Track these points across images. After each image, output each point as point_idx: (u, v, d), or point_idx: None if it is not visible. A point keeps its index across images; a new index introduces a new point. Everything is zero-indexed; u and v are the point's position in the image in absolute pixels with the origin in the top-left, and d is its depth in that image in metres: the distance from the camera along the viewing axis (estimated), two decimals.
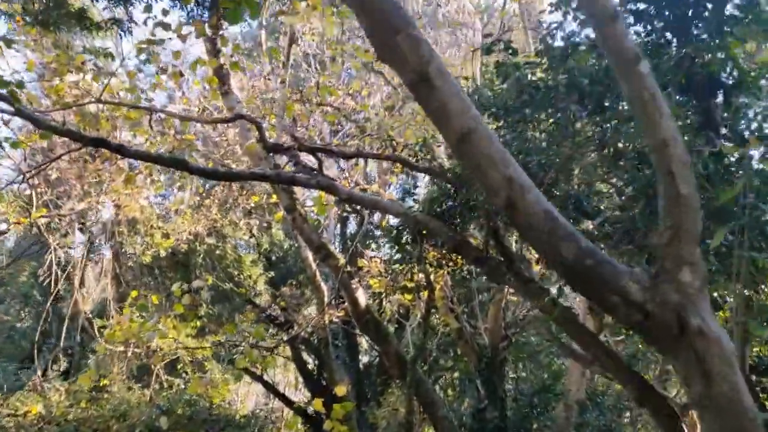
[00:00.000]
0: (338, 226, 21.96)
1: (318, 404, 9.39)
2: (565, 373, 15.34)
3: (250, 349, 8.62)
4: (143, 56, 7.84)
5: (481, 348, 15.63)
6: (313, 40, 12.31)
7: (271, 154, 10.11)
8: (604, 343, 7.59)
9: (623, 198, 5.16)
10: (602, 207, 6.51)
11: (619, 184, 5.51)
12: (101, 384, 14.03)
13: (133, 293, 9.45)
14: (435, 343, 18.18)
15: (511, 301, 16.68)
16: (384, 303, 18.57)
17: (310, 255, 15.24)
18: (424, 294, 12.96)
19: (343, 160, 12.98)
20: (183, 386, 15.79)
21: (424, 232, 8.10)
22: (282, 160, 10.10)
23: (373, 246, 17.81)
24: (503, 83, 7.18)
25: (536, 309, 8.78)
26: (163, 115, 10.21)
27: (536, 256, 8.17)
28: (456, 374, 19.23)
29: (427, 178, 9.85)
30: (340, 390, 9.19)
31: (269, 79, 11.43)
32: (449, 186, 7.91)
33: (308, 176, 8.16)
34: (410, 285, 11.04)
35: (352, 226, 22.20)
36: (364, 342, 22.81)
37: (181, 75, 8.29)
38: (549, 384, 15.71)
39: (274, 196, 13.76)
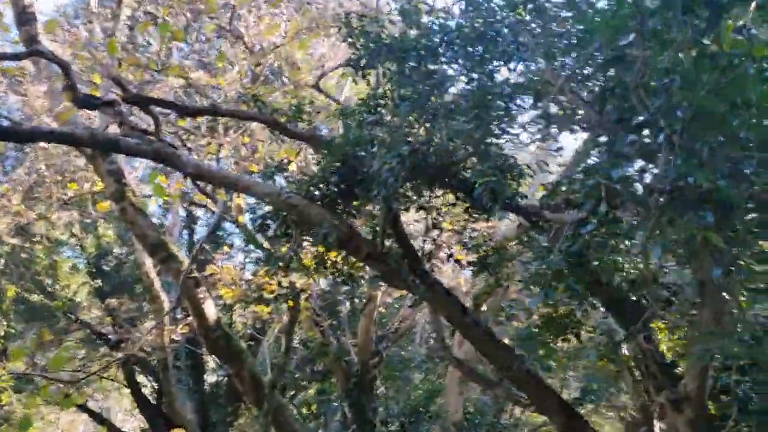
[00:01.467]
0: (185, 230, 19.07)
1: None
2: (441, 391, 13.99)
3: (45, 386, 6.06)
4: None
5: (349, 365, 13.84)
6: None
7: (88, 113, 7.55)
8: (527, 365, 6.06)
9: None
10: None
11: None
12: None
13: None
14: (296, 361, 16.16)
15: (382, 312, 15.17)
16: (235, 316, 16.22)
17: (147, 259, 12.56)
18: (288, 304, 10.94)
19: (192, 141, 10.56)
20: None
21: (300, 222, 6.09)
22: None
23: (226, 249, 15.38)
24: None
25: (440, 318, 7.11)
26: None
27: (445, 252, 6.52)
28: (315, 394, 17.39)
29: (299, 159, 7.85)
30: None
31: (90, 25, 8.82)
32: (333, 161, 5.98)
33: (139, 141, 5.84)
34: (271, 293, 8.92)
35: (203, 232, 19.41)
36: (212, 360, 20.14)
37: None
38: (423, 404, 14.28)
39: (99, 183, 10.97)
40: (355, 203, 6.27)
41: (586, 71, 3.76)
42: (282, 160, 6.37)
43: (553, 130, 4.26)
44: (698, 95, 2.57)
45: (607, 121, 3.32)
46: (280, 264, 6.02)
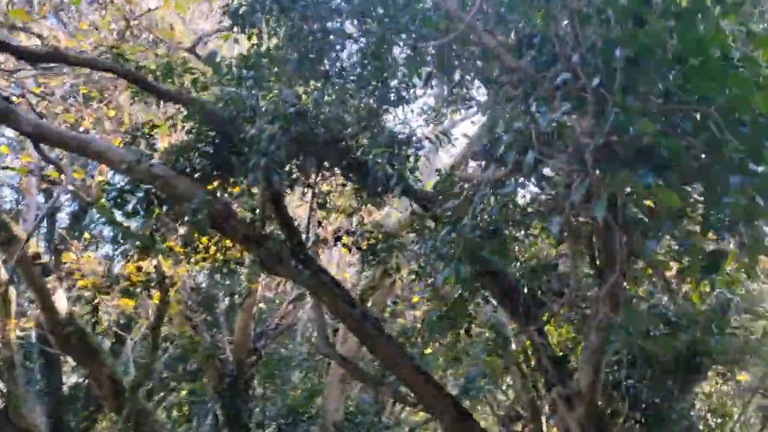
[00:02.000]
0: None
1: None
2: (322, 391, 13.36)
3: None
4: None
5: (224, 364, 12.86)
6: None
7: None
8: (417, 362, 5.60)
9: None
10: None
11: None
12: None
13: None
14: (168, 360, 14.89)
15: (263, 308, 14.30)
16: (101, 312, 14.68)
17: None
18: (155, 298, 9.87)
19: (48, 108, 9.21)
20: None
21: (165, 196, 5.25)
22: None
23: (87, 237, 13.83)
24: None
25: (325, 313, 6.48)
26: None
27: (332, 235, 5.92)
28: (187, 395, 16.17)
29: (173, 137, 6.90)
30: None
31: None
32: (207, 128, 5.21)
33: None
34: (135, 281, 7.90)
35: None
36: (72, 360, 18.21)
37: None
38: (302, 404, 13.58)
39: None
40: (232, 179, 5.53)
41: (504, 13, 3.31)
42: (148, 122, 5.46)
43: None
44: (640, 35, 2.17)
45: (527, 68, 2.88)
46: (138, 243, 5.15)
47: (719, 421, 6.13)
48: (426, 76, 4.24)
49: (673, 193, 2.06)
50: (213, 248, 6.61)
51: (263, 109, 4.61)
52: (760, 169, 2.15)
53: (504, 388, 11.90)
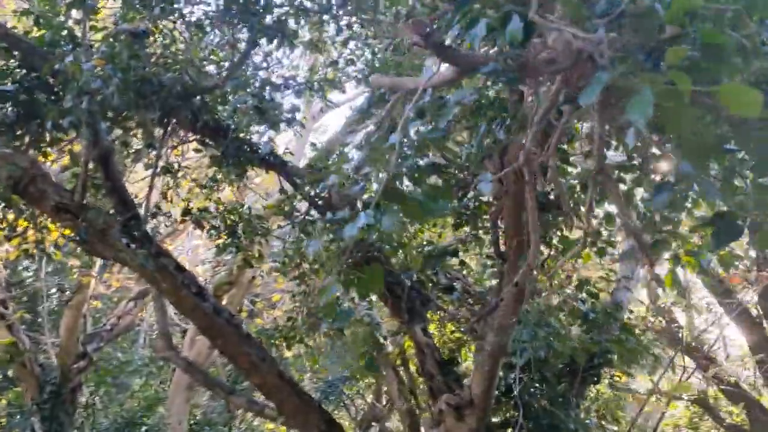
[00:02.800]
0: None
1: None
2: (164, 399, 11.88)
3: None
4: None
5: (46, 371, 10.97)
6: None
7: None
8: (280, 367, 4.66)
9: None
10: None
11: None
12: None
13: None
14: None
15: (99, 307, 12.49)
16: None
17: None
18: None
19: None
20: None
21: None
22: None
23: None
24: None
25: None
26: None
27: (182, 203, 4.81)
28: (6, 405, 13.90)
29: None
30: None
31: None
32: (14, 62, 3.93)
33: None
34: None
35: None
36: None
37: None
38: (140, 415, 11.99)
39: None
40: (47, 134, 4.26)
41: None
42: None
43: None
44: None
45: None
46: None
47: (614, 428, 5.82)
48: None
49: (753, 91, 1.32)
50: (25, 224, 5.21)
51: (88, 38, 3.46)
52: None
53: (361, 391, 11.22)
